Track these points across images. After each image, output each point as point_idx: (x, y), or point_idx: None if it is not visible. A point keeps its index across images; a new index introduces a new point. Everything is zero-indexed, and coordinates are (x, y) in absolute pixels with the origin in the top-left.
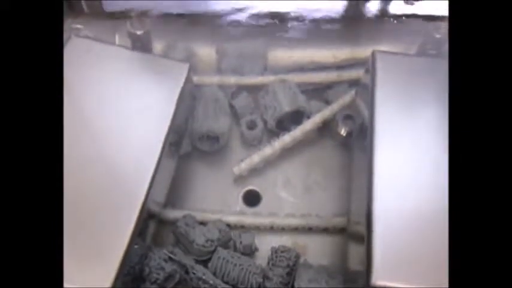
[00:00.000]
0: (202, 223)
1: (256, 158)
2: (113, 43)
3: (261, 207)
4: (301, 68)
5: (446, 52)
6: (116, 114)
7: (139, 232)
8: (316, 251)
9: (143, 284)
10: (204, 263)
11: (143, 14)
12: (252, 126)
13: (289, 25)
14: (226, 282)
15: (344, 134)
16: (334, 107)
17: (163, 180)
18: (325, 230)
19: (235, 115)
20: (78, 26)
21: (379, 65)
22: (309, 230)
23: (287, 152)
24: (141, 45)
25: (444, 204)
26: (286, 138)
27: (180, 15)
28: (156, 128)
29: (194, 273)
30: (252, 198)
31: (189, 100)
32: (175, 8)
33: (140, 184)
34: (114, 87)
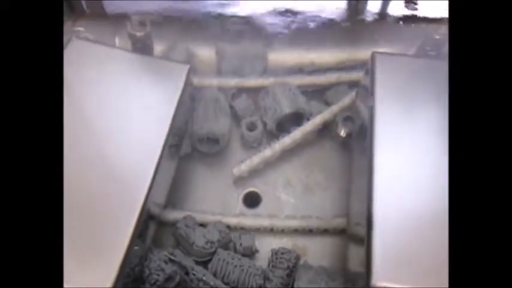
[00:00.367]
0: (202, 224)
1: (256, 159)
2: (114, 45)
3: (261, 208)
4: (301, 70)
5: (446, 53)
6: (116, 116)
7: (139, 233)
8: (316, 252)
9: (143, 285)
10: (204, 264)
11: (143, 16)
12: (252, 127)
13: (289, 27)
14: (227, 284)
15: (344, 136)
16: (334, 108)
17: (164, 181)
18: (325, 231)
19: (235, 117)
20: (79, 28)
21: (378, 66)
22: (309, 231)
23: (287, 154)
24: (141, 46)
25: (444, 205)
26: (286, 140)
27: (180, 17)
28: (156, 129)
29: (194, 275)
30: (252, 200)
31: (189, 102)
32: (175, 10)
33: (140, 185)
34: (114, 88)
